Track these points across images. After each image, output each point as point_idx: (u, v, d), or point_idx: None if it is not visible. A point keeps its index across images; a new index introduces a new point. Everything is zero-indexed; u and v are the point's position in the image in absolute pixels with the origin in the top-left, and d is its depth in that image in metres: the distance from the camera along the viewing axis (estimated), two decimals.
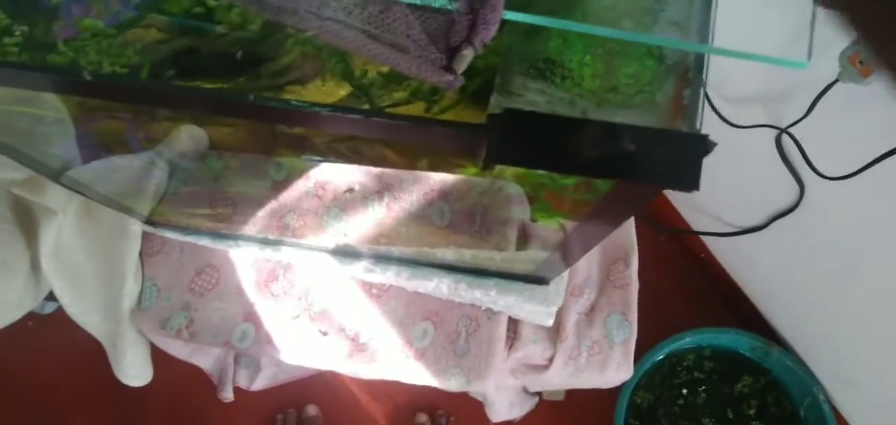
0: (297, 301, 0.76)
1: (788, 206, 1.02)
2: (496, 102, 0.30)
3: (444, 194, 0.74)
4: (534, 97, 0.29)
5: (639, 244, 0.80)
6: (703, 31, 0.29)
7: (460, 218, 0.74)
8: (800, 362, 1.16)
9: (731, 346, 1.21)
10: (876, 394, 1.08)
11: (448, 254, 0.70)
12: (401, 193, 0.77)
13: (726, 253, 1.28)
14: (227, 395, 1.20)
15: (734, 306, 1.29)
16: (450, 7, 0.28)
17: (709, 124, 0.98)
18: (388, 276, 0.73)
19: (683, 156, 0.29)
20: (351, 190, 0.77)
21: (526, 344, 0.75)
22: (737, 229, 1.16)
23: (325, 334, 0.75)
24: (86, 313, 0.77)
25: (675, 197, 1.29)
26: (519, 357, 0.76)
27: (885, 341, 0.97)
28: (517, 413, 1.13)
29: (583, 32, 0.29)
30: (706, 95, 0.96)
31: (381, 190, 0.77)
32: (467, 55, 0.28)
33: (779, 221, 1.06)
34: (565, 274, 0.70)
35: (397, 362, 0.73)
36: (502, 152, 0.29)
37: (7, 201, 0.67)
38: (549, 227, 0.74)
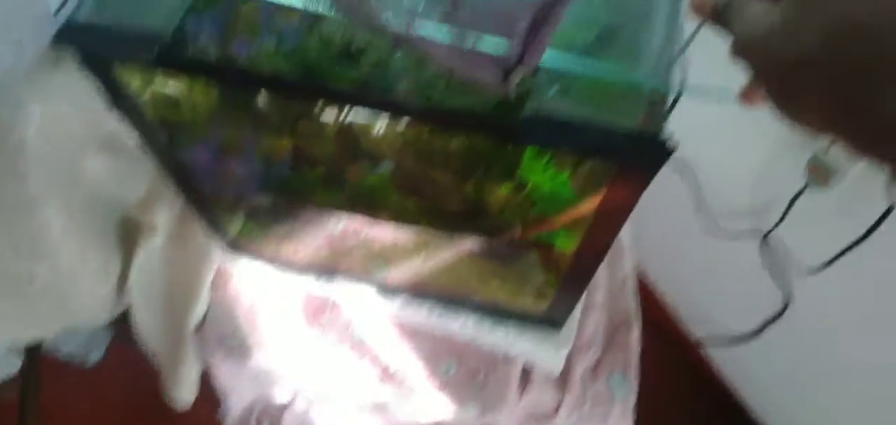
0: (341, 331, 0.87)
1: (777, 311, 1.13)
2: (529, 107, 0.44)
3: (489, 253, 0.85)
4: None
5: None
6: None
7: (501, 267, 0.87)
8: None
9: None
10: None
11: (479, 296, 0.83)
12: (439, 252, 0.90)
13: (724, 361, 1.38)
14: None
15: (729, 414, 1.37)
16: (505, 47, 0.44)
17: (709, 235, 1.13)
18: (421, 314, 0.85)
19: (653, 151, 0.43)
20: (396, 244, 0.91)
21: (536, 390, 0.86)
22: (731, 336, 1.26)
23: (360, 359, 0.86)
24: (153, 329, 0.89)
25: (675, 305, 1.40)
26: (530, 399, 0.86)
27: None
28: None
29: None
30: (704, 210, 1.11)
31: (422, 246, 0.91)
32: (519, 71, 0.42)
33: (770, 327, 1.17)
34: (575, 321, 0.82)
35: (422, 391, 0.83)
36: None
37: (115, 216, 0.81)
38: None
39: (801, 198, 0.91)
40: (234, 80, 0.49)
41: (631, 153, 0.42)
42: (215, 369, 0.95)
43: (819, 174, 0.88)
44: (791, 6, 0.32)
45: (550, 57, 0.43)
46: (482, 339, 0.85)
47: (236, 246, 0.84)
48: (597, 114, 0.44)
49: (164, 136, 0.58)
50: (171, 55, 0.43)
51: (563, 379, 0.86)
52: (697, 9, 0.39)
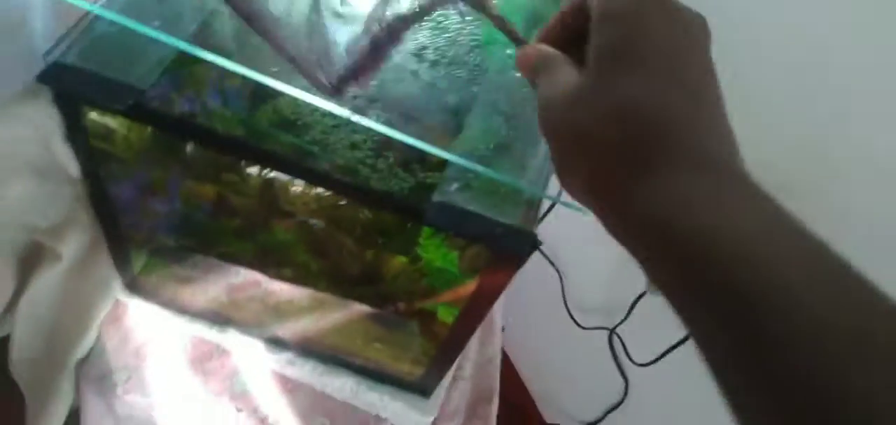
0: (224, 380, 0.91)
1: (618, 400, 1.29)
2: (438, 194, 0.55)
3: (375, 318, 0.94)
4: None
5: None
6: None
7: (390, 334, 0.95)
8: None
9: None
10: None
11: (362, 357, 0.90)
12: (332, 312, 0.97)
13: None
14: None
15: None
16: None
17: (567, 329, 1.28)
18: (305, 371, 0.91)
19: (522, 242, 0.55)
20: (291, 300, 0.97)
21: None
22: (578, 422, 1.41)
23: (239, 411, 0.90)
24: (32, 358, 0.88)
25: (533, 387, 1.54)
26: None
27: None
28: None
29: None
30: (567, 303, 1.27)
31: (316, 306, 0.97)
32: (352, 87, 0.51)
33: (612, 415, 1.33)
34: (443, 390, 0.91)
35: None
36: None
37: (18, 240, 0.81)
38: None
39: (642, 300, 1.08)
40: (185, 134, 0.56)
41: (505, 242, 0.54)
42: (86, 406, 0.94)
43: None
44: (590, 75, 0.31)
45: (457, 158, 0.55)
46: (358, 400, 0.92)
47: (136, 284, 0.87)
48: (487, 208, 0.55)
49: (101, 167, 0.63)
50: (142, 107, 0.50)
51: None
52: (521, 66, 0.37)
